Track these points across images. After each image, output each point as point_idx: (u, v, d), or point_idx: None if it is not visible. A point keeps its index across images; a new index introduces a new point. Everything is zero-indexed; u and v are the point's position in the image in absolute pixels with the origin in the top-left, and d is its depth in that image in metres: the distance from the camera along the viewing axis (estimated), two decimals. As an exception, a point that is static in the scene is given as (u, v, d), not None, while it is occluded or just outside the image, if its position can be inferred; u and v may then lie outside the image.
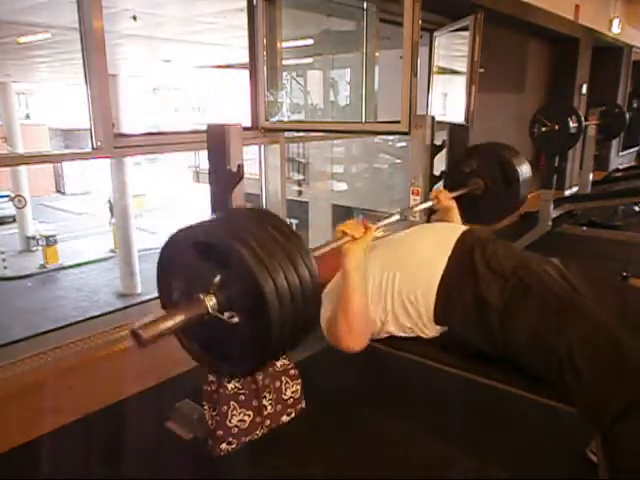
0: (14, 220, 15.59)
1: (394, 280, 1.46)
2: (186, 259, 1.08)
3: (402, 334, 1.50)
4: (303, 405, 1.46)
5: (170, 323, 0.95)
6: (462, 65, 3.90)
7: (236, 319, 1.00)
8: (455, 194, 2.11)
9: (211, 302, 0.99)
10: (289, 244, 1.03)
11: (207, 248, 1.04)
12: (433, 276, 1.42)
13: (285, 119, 3.13)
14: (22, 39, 7.80)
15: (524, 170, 2.34)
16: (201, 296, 0.99)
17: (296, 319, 1.02)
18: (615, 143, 7.25)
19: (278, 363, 1.39)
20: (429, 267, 1.45)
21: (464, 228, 1.60)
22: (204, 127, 1.68)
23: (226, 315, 1.00)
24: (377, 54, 3.55)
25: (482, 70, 3.67)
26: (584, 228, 4.24)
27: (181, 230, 1.10)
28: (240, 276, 0.98)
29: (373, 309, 1.46)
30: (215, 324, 1.02)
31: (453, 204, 2.01)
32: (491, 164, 2.35)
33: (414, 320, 1.46)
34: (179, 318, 0.97)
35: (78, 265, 13.25)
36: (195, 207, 15.50)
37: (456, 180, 2.35)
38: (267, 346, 1.03)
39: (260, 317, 0.98)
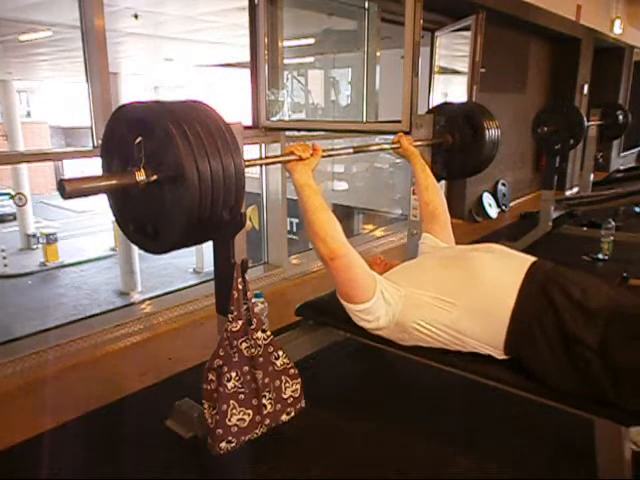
0: (14, 218, 15.58)
1: (451, 309, 1.45)
2: (126, 135, 1.18)
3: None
4: (303, 404, 1.46)
5: (94, 184, 1.13)
6: (463, 65, 3.90)
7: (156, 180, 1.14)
8: (419, 143, 2.16)
9: (141, 177, 1.14)
10: (221, 138, 1.15)
11: (144, 127, 1.14)
12: (503, 307, 1.38)
13: (286, 118, 3.14)
14: (23, 37, 7.80)
15: (492, 130, 2.38)
16: (133, 169, 1.14)
17: (214, 196, 1.14)
18: (616, 144, 7.25)
19: (278, 362, 1.39)
20: (498, 298, 1.41)
21: (531, 259, 1.50)
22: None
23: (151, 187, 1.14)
24: (378, 54, 3.56)
25: (483, 70, 3.68)
26: (584, 229, 4.24)
27: (123, 107, 1.22)
28: (168, 155, 1.10)
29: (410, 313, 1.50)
30: (144, 202, 1.18)
31: (414, 150, 2.05)
32: (461, 121, 2.40)
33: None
34: (103, 182, 1.17)
35: (79, 263, 13.20)
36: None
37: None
38: (186, 215, 1.13)
39: (180, 186, 1.10)
